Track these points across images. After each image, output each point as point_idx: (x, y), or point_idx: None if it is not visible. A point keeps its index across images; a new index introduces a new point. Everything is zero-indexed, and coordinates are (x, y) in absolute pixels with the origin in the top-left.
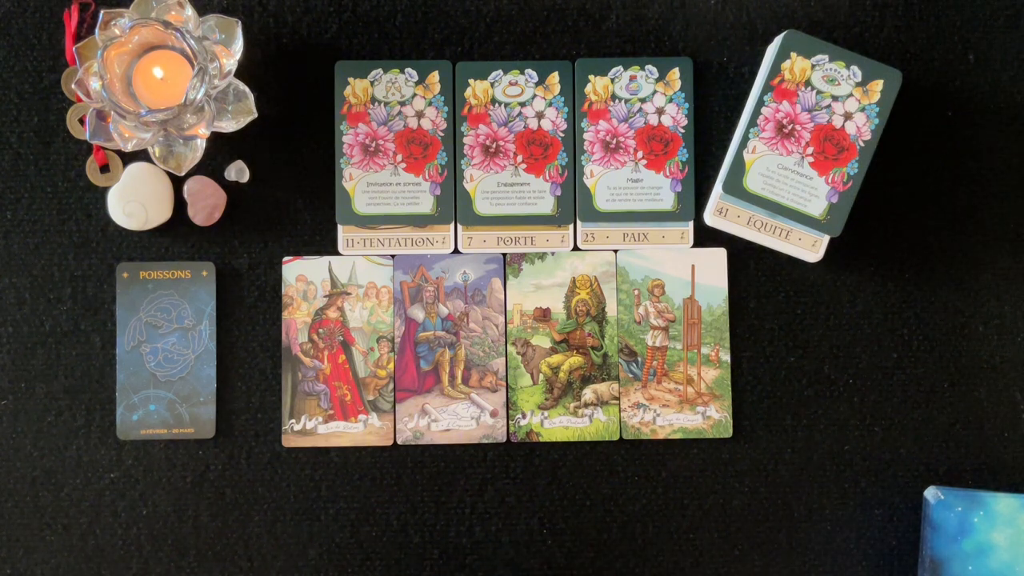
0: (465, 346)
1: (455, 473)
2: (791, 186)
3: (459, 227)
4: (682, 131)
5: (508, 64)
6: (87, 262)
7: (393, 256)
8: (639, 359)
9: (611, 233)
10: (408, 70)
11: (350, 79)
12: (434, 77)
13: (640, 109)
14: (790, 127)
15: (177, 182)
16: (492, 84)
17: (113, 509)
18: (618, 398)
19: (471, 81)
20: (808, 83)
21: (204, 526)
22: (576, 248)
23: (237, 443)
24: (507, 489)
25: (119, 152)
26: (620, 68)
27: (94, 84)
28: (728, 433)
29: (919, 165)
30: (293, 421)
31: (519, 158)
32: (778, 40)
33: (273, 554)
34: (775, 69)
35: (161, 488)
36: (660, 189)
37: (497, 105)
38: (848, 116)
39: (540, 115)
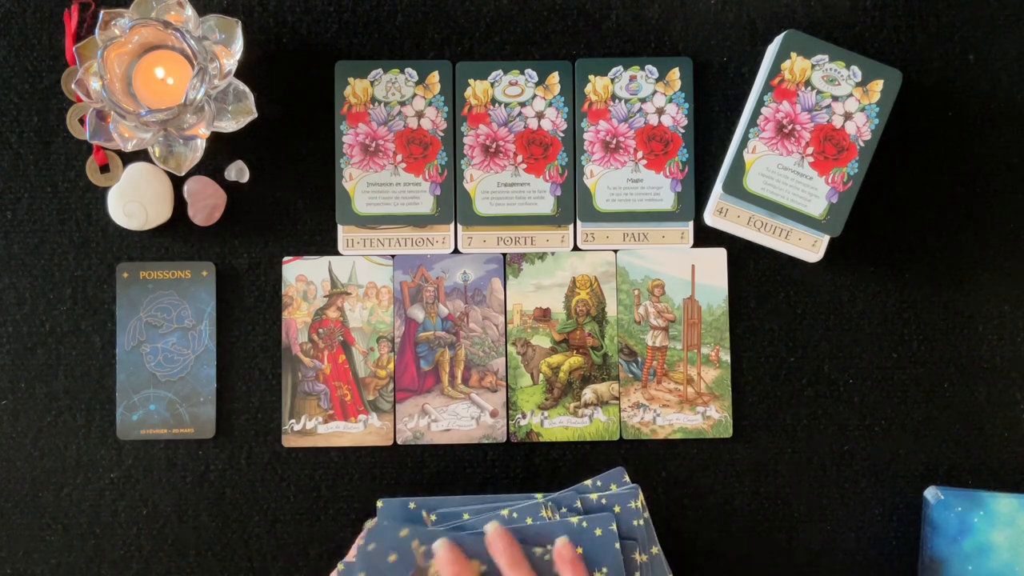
0: (465, 346)
1: (455, 473)
2: (791, 186)
3: (459, 227)
4: (682, 131)
5: (508, 64)
6: (87, 262)
7: (393, 256)
8: (639, 359)
9: (611, 233)
10: (408, 70)
11: (350, 79)
12: (434, 77)
13: (640, 109)
14: (790, 127)
15: (177, 182)
16: (492, 84)
17: (113, 509)
18: (618, 398)
19: (471, 81)
20: (808, 83)
21: (204, 526)
22: (576, 248)
23: (237, 443)
24: (507, 489)
25: (119, 152)
26: (620, 68)
27: (94, 84)
28: (728, 433)
29: (919, 165)
30: (293, 421)
31: (519, 158)
32: (778, 40)
33: (273, 554)
34: (775, 69)
35: (161, 488)
36: (660, 189)
37: (497, 105)
38: (848, 116)
39: (540, 115)
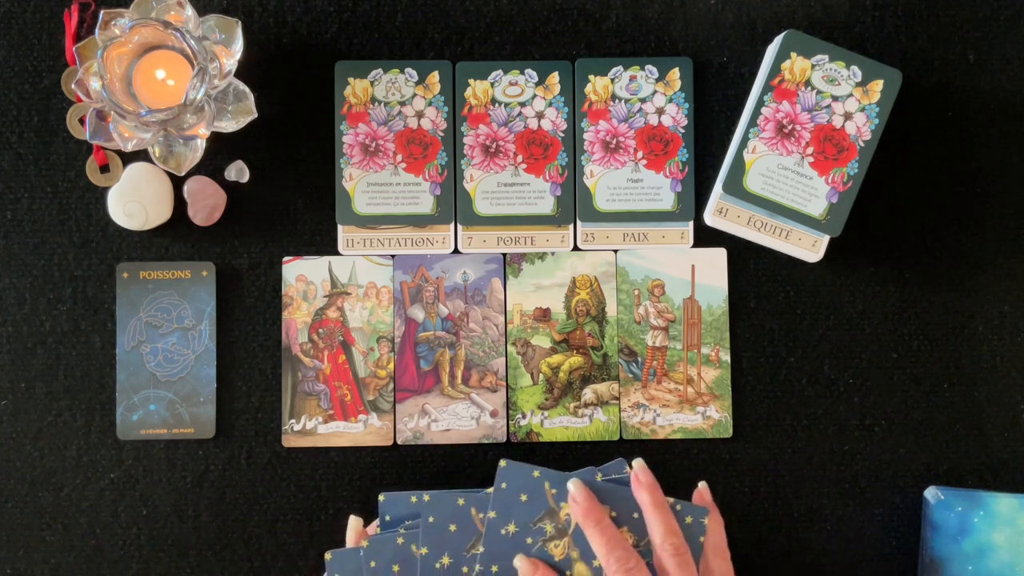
0: (465, 346)
1: (455, 473)
2: (791, 186)
3: (459, 227)
4: (682, 131)
5: (508, 64)
6: (87, 262)
7: (393, 256)
8: (639, 359)
9: (611, 233)
10: (408, 70)
11: (350, 79)
12: (434, 77)
13: (640, 109)
14: (790, 127)
15: (177, 182)
16: (492, 84)
17: (113, 509)
18: (618, 398)
19: (471, 81)
20: (808, 83)
21: (204, 526)
22: (576, 248)
23: (237, 443)
24: None
25: (119, 152)
26: (620, 68)
27: (94, 84)
28: (728, 433)
29: (919, 165)
30: (293, 421)
31: (519, 158)
32: (778, 40)
33: (273, 554)
34: (775, 69)
35: (161, 488)
36: (660, 189)
37: (497, 105)
38: (848, 116)
39: (540, 115)
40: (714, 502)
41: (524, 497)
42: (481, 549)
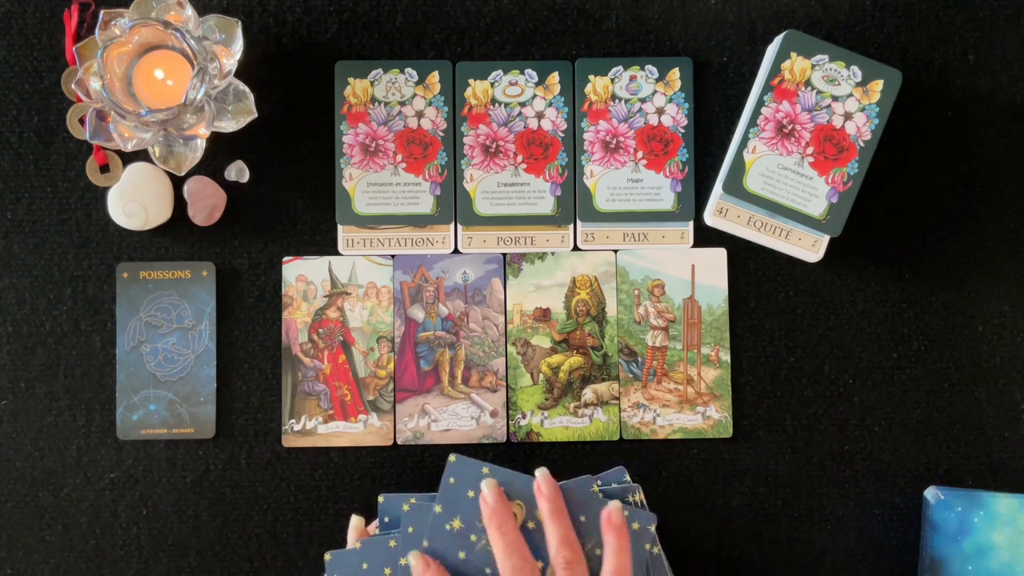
0: (465, 346)
1: None
2: (791, 186)
3: (459, 227)
4: (682, 131)
5: (508, 64)
6: (87, 262)
7: (393, 256)
8: (639, 359)
9: (611, 233)
10: (408, 70)
11: (350, 79)
12: (434, 77)
13: (640, 109)
14: (790, 127)
15: (177, 182)
16: (492, 84)
17: (113, 509)
18: (618, 398)
19: (471, 81)
20: (808, 83)
21: (204, 526)
22: (576, 248)
23: (237, 443)
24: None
25: (119, 152)
26: (620, 68)
27: (94, 84)
28: (728, 433)
29: (919, 165)
30: (293, 421)
31: (519, 158)
32: (778, 40)
33: (273, 554)
34: (775, 69)
35: (161, 488)
36: (660, 189)
37: (497, 105)
38: (848, 116)
39: (540, 115)
40: (626, 523)
41: (471, 493)
42: (426, 544)
